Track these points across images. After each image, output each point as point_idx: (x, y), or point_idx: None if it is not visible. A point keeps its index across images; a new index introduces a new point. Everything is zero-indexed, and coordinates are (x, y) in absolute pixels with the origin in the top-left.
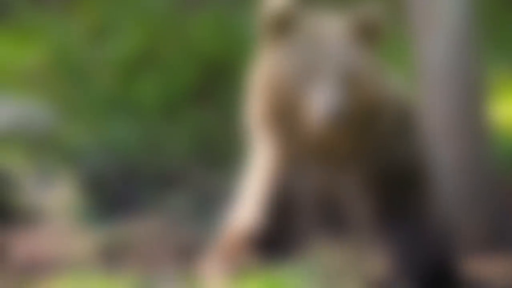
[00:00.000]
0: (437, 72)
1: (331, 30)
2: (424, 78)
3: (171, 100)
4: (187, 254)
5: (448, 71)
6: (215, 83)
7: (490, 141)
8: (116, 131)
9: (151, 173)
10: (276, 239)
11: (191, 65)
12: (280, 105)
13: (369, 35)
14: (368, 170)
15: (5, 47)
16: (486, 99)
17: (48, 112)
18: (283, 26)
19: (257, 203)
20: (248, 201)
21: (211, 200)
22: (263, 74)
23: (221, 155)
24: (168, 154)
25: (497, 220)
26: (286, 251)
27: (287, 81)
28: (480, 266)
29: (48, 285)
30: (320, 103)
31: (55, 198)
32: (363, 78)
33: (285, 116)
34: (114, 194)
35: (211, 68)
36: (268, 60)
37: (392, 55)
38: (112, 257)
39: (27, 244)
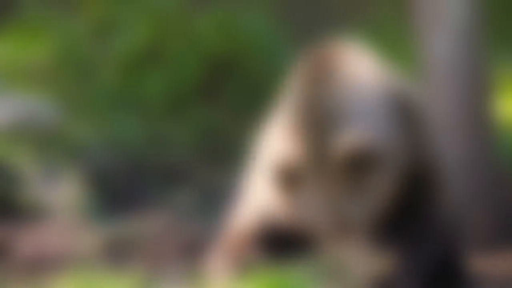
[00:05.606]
0: (442, 69)
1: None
2: (429, 75)
3: (176, 96)
4: (192, 250)
5: (452, 68)
6: (220, 80)
7: (495, 138)
8: (122, 127)
9: (157, 169)
10: (283, 237)
11: (197, 62)
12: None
13: (361, 165)
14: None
15: (12, 44)
16: (490, 96)
17: (54, 108)
18: (290, 180)
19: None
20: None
21: (216, 196)
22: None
23: (226, 151)
24: (174, 150)
25: (503, 216)
26: (292, 249)
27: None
28: (487, 262)
29: (54, 280)
30: None
31: (61, 194)
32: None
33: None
34: (119, 190)
35: (217, 65)
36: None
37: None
38: (117, 253)
39: (33, 240)
